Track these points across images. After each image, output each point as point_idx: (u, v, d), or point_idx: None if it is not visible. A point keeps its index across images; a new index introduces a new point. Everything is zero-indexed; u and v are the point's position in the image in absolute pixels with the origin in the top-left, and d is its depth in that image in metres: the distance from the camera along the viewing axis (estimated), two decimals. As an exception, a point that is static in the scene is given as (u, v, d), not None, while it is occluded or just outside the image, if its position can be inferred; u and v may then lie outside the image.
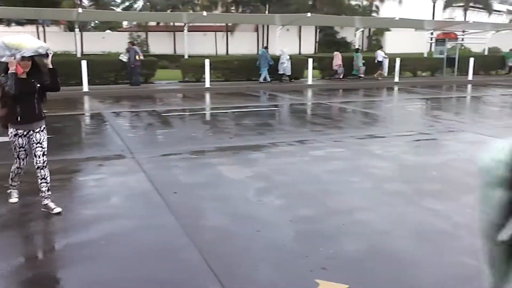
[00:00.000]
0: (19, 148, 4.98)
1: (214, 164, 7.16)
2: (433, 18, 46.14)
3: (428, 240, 4.43)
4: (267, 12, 50.29)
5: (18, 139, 4.93)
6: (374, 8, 53.74)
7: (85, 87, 17.31)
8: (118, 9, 54.32)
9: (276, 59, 21.01)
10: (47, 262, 3.99)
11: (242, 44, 49.66)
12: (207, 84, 19.20)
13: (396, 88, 20.85)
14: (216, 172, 6.72)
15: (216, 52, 45.09)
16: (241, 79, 21.59)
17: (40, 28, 41.73)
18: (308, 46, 49.54)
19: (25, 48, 4.78)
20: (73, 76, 18.52)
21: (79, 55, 21.75)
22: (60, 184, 6.16)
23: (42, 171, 4.99)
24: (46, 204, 5.02)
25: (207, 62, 19.33)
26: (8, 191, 5.34)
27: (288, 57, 21.22)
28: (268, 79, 20.73)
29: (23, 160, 5.11)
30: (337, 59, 22.48)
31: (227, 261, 3.97)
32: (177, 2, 52.97)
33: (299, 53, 42.86)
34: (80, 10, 21.66)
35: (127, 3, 56.14)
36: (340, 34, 50.58)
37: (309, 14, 23.10)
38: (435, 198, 5.57)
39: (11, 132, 4.93)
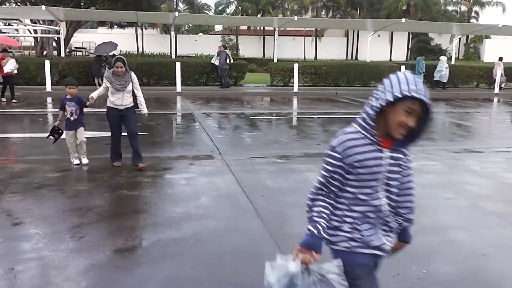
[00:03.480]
0: None
1: (301, 170, 7.11)
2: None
3: (534, 269, 4.06)
4: (357, 17, 49.38)
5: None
6: (473, 14, 50.84)
7: (178, 87, 18.03)
8: (211, 13, 56.10)
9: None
10: (136, 255, 4.15)
11: (331, 49, 49.19)
12: (295, 88, 19.21)
13: (495, 99, 19.53)
14: (304, 179, 6.66)
15: (305, 56, 45.05)
16: (329, 84, 21.37)
17: (139, 31, 44.13)
18: (399, 53, 47.97)
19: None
20: (167, 76, 19.41)
21: (173, 56, 22.71)
22: (152, 180, 6.43)
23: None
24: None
25: (296, 66, 19.34)
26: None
27: (447, 65, 21.01)
28: None
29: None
30: (499, 67, 21.41)
31: (314, 271, 3.89)
32: (266, 6, 53.67)
33: (390, 59, 41.62)
34: (176, 14, 22.67)
35: (219, 8, 57.82)
36: (435, 41, 48.43)
37: (403, 20, 22.36)
38: (542, 222, 5.10)
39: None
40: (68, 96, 7.04)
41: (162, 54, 28.54)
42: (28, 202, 5.46)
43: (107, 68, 18.55)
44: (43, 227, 4.70)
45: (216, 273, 3.88)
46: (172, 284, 3.69)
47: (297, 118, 13.56)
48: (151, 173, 6.68)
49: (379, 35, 32.60)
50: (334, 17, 52.51)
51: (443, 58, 21.79)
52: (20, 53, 32.42)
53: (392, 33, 46.15)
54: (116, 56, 6.99)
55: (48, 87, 17.01)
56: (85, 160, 7.19)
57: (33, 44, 27.67)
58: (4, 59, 14.52)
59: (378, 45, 34.62)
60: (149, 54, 26.63)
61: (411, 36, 49.91)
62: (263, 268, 3.91)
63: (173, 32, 23.74)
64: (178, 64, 18.14)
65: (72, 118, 7.05)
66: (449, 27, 27.64)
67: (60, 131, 7.20)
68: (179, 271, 3.88)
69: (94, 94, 6.85)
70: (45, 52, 27.02)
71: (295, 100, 17.63)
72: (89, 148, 8.61)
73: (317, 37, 50.95)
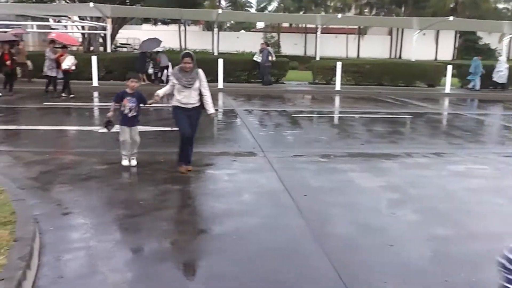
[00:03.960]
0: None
1: (344, 170, 7.00)
2: None
3: None
4: (402, 15, 48.32)
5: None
6: (527, 12, 48.86)
7: (220, 84, 18.15)
8: (253, 10, 56.20)
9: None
10: (179, 249, 4.19)
11: (374, 47, 48.38)
12: (338, 87, 18.99)
13: (548, 102, 18.69)
14: (347, 178, 6.56)
15: (347, 54, 44.49)
16: (372, 83, 21.01)
17: (182, 28, 44.68)
18: (445, 52, 46.68)
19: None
20: (209, 73, 19.46)
21: (215, 53, 22.87)
22: (195, 175, 6.49)
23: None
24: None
25: (338, 64, 19.10)
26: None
27: (507, 65, 20.54)
28: (477, 87, 20.54)
29: None
30: None
31: (357, 273, 3.83)
32: (309, 4, 53.29)
33: (435, 59, 40.54)
34: (220, 11, 22.81)
35: (261, 5, 57.86)
36: (483, 40, 46.78)
37: (451, 18, 21.67)
38: None
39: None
40: (129, 90, 6.56)
41: (205, 51, 28.80)
42: (76, 193, 5.62)
43: (151, 64, 18.90)
44: (91, 217, 4.82)
45: (256, 269, 3.88)
46: (213, 279, 3.71)
47: (339, 117, 13.39)
48: (194, 168, 6.73)
49: (424, 34, 31.76)
50: (377, 14, 51.59)
51: (502, 59, 21.20)
52: (68, 48, 33.49)
53: (438, 31, 44.95)
54: (185, 51, 6.45)
55: (95, 82, 17.47)
56: (134, 162, 6.77)
57: (80, 40, 28.45)
58: (62, 55, 14.68)
59: (423, 43, 33.75)
60: (192, 50, 26.90)
61: (457, 35, 48.45)
62: (303, 267, 3.91)
63: (215, 29, 23.90)
64: (220, 61, 18.25)
65: (130, 115, 6.57)
66: (500, 26, 26.58)
67: (111, 123, 6.71)
68: (220, 267, 3.89)
69: (160, 92, 6.32)
70: (92, 48, 27.76)
71: (337, 99, 17.42)
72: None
73: (360, 35, 50.21)
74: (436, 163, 7.72)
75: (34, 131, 9.57)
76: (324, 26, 24.26)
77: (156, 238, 4.40)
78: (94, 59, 17.53)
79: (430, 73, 21.62)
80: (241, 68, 20.39)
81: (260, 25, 58.94)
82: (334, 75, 19.47)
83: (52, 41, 15.77)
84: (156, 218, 4.92)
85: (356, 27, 48.05)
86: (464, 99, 18.80)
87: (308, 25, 43.63)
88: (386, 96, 18.19)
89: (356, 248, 4.34)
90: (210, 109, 6.43)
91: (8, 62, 14.61)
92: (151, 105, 6.67)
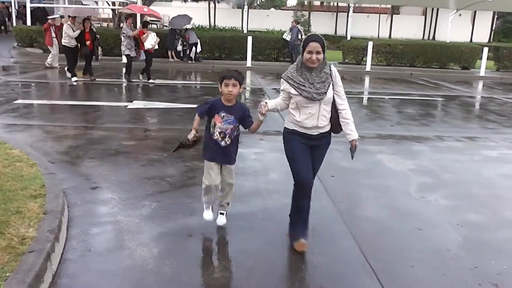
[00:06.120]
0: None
1: (373, 151, 6.87)
2: None
3: None
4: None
5: None
6: None
7: (249, 62, 18.04)
8: (284, -12, 55.34)
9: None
10: (206, 227, 4.18)
11: (407, 28, 47.11)
12: (368, 67, 18.64)
13: None
14: (376, 160, 6.45)
15: (378, 34, 43.49)
16: (404, 64, 20.53)
17: (211, 5, 44.40)
18: (482, 34, 45.12)
19: None
20: (238, 51, 19.44)
21: (245, 31, 22.68)
22: (223, 153, 6.46)
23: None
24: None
25: (370, 44, 18.72)
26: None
27: None
28: None
29: None
30: None
31: (385, 257, 3.76)
32: (342, -18, 52.06)
33: (470, 40, 39.28)
34: (250, -13, 22.50)
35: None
36: (523, 22, 45.00)
37: (490, -2, 20.88)
38: None
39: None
40: (225, 101, 3.82)
41: (234, 28, 28.61)
42: (104, 167, 5.68)
43: (180, 41, 18.86)
44: (119, 192, 4.87)
45: (283, 249, 3.85)
46: (240, 257, 3.70)
47: (369, 97, 13.13)
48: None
49: (460, 14, 30.73)
50: (412, -7, 50.10)
51: None
52: (99, 25, 33.70)
53: (475, 12, 43.41)
54: (310, 34, 3.76)
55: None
56: (222, 220, 4.12)
57: (111, 16, 28.60)
58: (144, 33, 12.79)
59: (458, 25, 32.67)
60: (221, 28, 26.72)
61: (495, 16, 46.73)
62: (330, 248, 3.86)
63: (245, 7, 23.66)
64: (249, 39, 18.10)
65: (223, 143, 3.84)
66: (541, 7, 25.54)
67: (189, 144, 4.05)
68: (247, 245, 3.88)
69: (270, 103, 3.75)
70: (122, 25, 27.92)
71: (367, 79, 17.10)
72: (161, 119, 8.77)
73: (393, 15, 48.96)
74: (469, 148, 7.50)
75: (64, 106, 9.72)
76: (356, 5, 23.73)
77: (183, 214, 4.41)
78: (124, 35, 17.59)
79: (465, 55, 20.98)
80: (270, 47, 20.19)
81: (290, 3, 58.12)
82: (365, 55, 19.12)
83: (130, 16, 13.83)
84: (183, 195, 4.94)
85: (389, 6, 46.81)
86: (499, 83, 18.19)
87: (340, 4, 42.75)
88: (418, 78, 17.76)
89: (383, 231, 4.27)
90: (353, 132, 3.77)
91: (88, 42, 12.82)
92: (257, 127, 3.82)
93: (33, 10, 22.18)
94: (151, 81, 13.16)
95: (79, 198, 4.63)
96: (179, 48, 18.91)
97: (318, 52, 3.56)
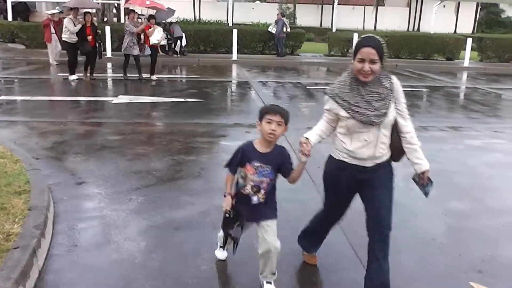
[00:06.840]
0: None
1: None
2: None
3: None
4: (422, -14, 46.99)
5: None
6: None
7: (234, 55, 17.98)
8: (269, -20, 55.06)
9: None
10: (193, 219, 4.18)
11: (392, 19, 47.24)
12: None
13: None
14: (361, 152, 6.49)
15: (364, 26, 43.63)
16: (389, 56, 20.63)
17: (196, -3, 44.00)
18: (466, 25, 45.45)
19: None
20: (224, 44, 19.37)
21: (230, 24, 22.59)
22: (209, 146, 6.48)
23: None
24: None
25: (355, 36, 18.76)
26: None
27: None
28: None
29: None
30: None
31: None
32: (327, -26, 52.02)
33: (455, 31, 39.57)
34: (235, -20, 22.41)
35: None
36: (506, 13, 45.51)
37: (473, -11, 21.05)
38: None
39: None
40: (261, 146, 2.98)
41: (219, 21, 28.45)
42: (90, 163, 5.64)
43: (164, 35, 18.67)
44: (105, 187, 4.85)
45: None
46: (228, 250, 3.70)
47: (355, 90, 13.17)
48: (207, 140, 6.70)
49: (444, 6, 30.95)
50: (396, -15, 50.26)
51: None
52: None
53: (458, 3, 43.74)
54: (363, 37, 2.87)
55: (109, 53, 17.41)
56: None
57: (94, 10, 28.25)
58: (150, 27, 12.37)
59: (442, 16, 32.93)
60: (206, 21, 26.56)
61: (479, 7, 47.13)
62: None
63: (230, 0, 23.56)
64: (235, 32, 18.04)
65: (255, 198, 3.01)
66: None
67: (230, 217, 3.06)
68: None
69: (313, 138, 2.98)
70: (105, 19, 27.63)
71: (352, 72, 17.15)
72: (146, 113, 8.73)
73: (378, 7, 49.11)
74: (453, 137, 7.59)
75: (48, 102, 9.61)
76: (341, -4, 23.79)
77: (169, 207, 4.41)
78: (107, 29, 17.44)
79: (449, 46, 21.16)
80: (256, 39, 20.15)
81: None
82: (350, 47, 19.16)
83: (133, 11, 13.29)
84: (170, 188, 4.93)
85: (374, -2, 46.96)
86: (483, 73, 18.40)
87: (325, -4, 42.71)
88: (403, 69, 17.88)
89: (369, 221, 4.31)
90: (423, 160, 3.03)
91: (89, 38, 11.94)
92: (299, 175, 3.07)
93: (14, 5, 21.85)
94: (154, 77, 12.83)
95: (65, 194, 4.61)
96: (164, 42, 18.75)
97: (372, 61, 2.71)
